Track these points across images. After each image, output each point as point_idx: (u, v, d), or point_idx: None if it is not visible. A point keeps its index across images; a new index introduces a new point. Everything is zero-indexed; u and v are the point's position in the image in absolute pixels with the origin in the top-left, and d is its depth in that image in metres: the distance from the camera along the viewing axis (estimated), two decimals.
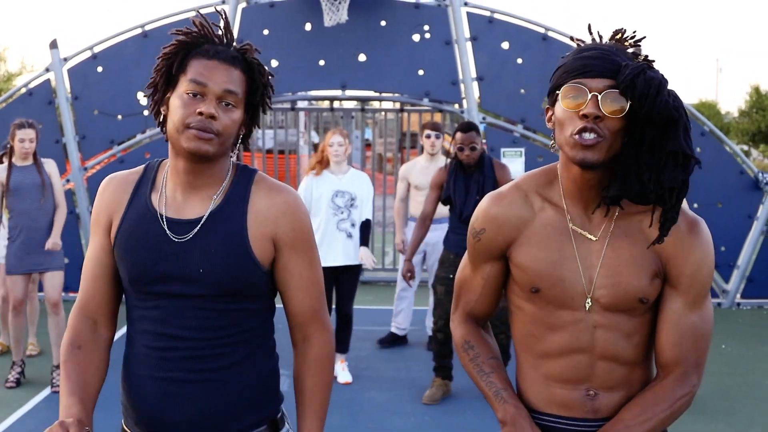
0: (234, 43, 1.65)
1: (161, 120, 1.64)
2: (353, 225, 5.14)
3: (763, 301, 8.11)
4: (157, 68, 1.64)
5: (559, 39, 7.89)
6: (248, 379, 1.64)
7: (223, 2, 7.83)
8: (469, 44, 7.84)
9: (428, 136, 5.94)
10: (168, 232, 1.60)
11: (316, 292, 1.70)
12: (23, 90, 8.07)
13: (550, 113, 1.62)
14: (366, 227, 5.18)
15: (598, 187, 1.60)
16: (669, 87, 1.50)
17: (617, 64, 1.51)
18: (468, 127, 4.71)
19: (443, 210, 5.46)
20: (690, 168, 1.52)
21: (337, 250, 5.09)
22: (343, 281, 5.22)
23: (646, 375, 1.69)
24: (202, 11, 7.36)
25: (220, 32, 1.65)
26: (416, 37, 7.91)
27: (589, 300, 1.62)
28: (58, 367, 5.19)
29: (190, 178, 1.62)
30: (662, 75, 1.50)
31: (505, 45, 7.86)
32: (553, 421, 1.67)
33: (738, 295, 8.08)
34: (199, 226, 1.60)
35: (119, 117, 7.83)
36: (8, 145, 5.17)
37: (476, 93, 7.91)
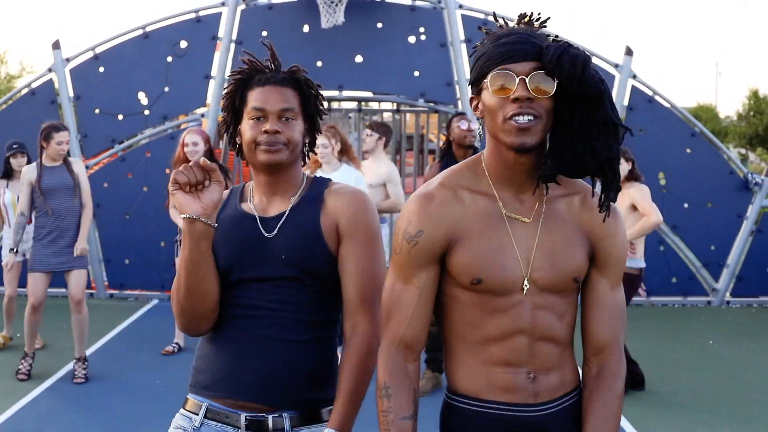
0: (282, 68, 1.91)
1: (238, 148, 1.92)
2: None
3: (752, 300, 8.24)
4: (223, 108, 1.93)
5: None
6: (313, 365, 1.83)
7: (223, 4, 7.98)
8: (463, 46, 7.98)
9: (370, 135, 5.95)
10: (260, 227, 1.86)
11: (370, 282, 1.84)
12: (26, 90, 8.22)
13: (476, 102, 1.64)
14: None
15: (531, 170, 1.62)
16: (591, 63, 1.55)
17: (538, 46, 1.54)
18: (462, 113, 5.08)
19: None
20: (620, 136, 1.58)
21: None
22: None
23: (571, 357, 1.71)
24: (203, 12, 7.49)
25: (267, 62, 1.91)
26: (412, 39, 8.06)
27: (526, 282, 1.62)
28: (79, 359, 5.30)
29: (271, 186, 1.89)
30: (583, 51, 1.56)
31: None
32: (495, 407, 1.65)
33: (728, 294, 8.21)
34: (282, 221, 1.85)
35: (120, 116, 7.97)
36: (40, 147, 5.23)
37: (471, 94, 8.04)
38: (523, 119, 1.53)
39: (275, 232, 1.85)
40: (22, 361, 5.35)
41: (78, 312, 5.24)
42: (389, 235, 6.41)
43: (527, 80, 1.53)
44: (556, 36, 1.61)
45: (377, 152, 5.96)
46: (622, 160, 5.00)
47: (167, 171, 7.50)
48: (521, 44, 1.55)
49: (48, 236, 5.18)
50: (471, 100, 1.67)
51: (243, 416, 1.81)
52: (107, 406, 4.84)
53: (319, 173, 5.33)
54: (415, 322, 1.66)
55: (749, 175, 8.15)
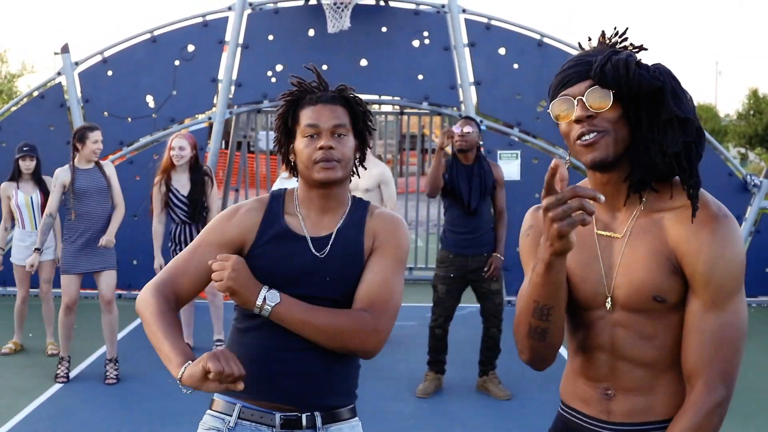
0: (330, 87, 2.00)
1: (293, 165, 2.00)
2: None
3: (751, 299, 8.36)
4: (275, 128, 2.00)
5: (554, 45, 8.15)
6: (340, 368, 1.93)
7: (230, 8, 8.10)
8: (467, 50, 8.11)
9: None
10: (311, 247, 1.92)
11: (384, 293, 1.89)
12: (35, 93, 8.34)
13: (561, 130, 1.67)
14: None
15: (618, 184, 1.61)
16: (640, 61, 1.53)
17: (589, 63, 1.55)
18: (468, 117, 5.20)
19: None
20: (690, 130, 1.52)
21: None
22: None
23: (670, 385, 1.62)
24: (210, 17, 7.63)
25: (315, 83, 1.99)
26: (416, 43, 8.19)
27: (609, 299, 1.62)
28: (111, 360, 5.39)
29: (323, 202, 1.96)
30: (629, 53, 1.53)
31: (502, 51, 8.12)
32: (570, 413, 1.74)
33: None
34: (330, 244, 1.92)
35: (129, 119, 8.10)
36: (73, 150, 5.32)
37: (474, 97, 8.17)
38: (588, 137, 1.55)
39: (325, 253, 1.92)
40: (59, 365, 5.41)
41: (108, 312, 5.34)
42: None
43: (584, 99, 1.54)
44: (631, 44, 1.59)
45: (368, 157, 6.15)
46: None
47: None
48: (576, 67, 1.58)
49: (80, 238, 5.25)
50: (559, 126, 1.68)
51: (278, 416, 1.89)
52: (121, 404, 4.96)
53: (285, 179, 5.47)
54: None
55: (748, 176, 8.27)
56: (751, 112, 33.66)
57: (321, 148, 1.88)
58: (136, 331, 6.77)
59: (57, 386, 5.27)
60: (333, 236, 1.94)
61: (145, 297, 1.90)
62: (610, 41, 1.62)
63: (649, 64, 1.55)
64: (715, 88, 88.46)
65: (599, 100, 1.53)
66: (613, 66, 1.51)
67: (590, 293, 1.64)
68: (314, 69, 2.03)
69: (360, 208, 2.01)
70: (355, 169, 2.02)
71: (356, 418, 2.01)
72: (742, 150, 37.63)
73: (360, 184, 6.07)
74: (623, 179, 1.60)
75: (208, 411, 1.98)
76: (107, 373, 5.35)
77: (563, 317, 1.63)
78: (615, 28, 1.63)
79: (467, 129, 4.95)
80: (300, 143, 1.93)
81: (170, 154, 5.62)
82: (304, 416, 1.90)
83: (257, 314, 1.86)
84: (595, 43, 1.66)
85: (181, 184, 5.64)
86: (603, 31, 1.65)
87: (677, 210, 1.57)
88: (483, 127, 8.18)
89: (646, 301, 1.58)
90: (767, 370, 5.97)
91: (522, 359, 1.71)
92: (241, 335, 1.96)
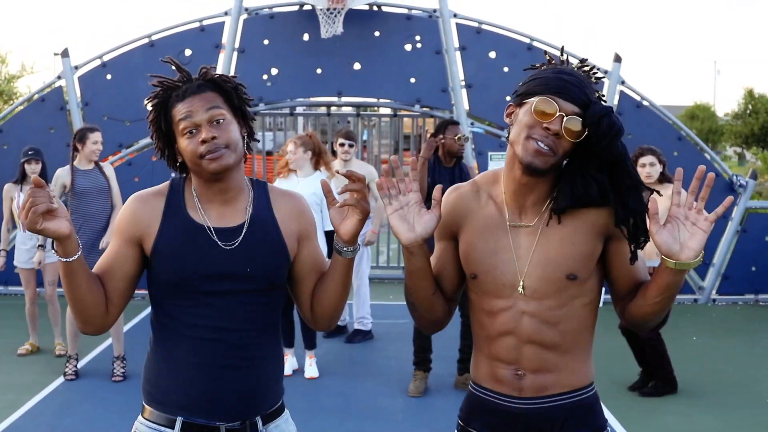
0: (192, 75, 1.87)
1: (179, 164, 1.90)
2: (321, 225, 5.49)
3: (737, 297, 8.53)
4: (152, 136, 1.90)
5: (543, 48, 8.31)
6: (273, 368, 1.93)
7: (226, 14, 8.27)
8: (458, 53, 8.29)
9: (342, 144, 6.35)
10: (216, 240, 1.84)
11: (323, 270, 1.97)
12: (35, 97, 8.51)
13: (512, 110, 1.84)
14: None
15: (533, 187, 1.81)
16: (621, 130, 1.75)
17: (587, 97, 1.73)
18: (456, 122, 5.52)
19: None
20: (642, 193, 1.77)
21: None
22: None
23: (579, 363, 1.86)
24: (207, 21, 7.80)
25: (177, 78, 1.86)
26: (408, 47, 8.36)
27: (521, 287, 1.81)
28: (118, 358, 5.52)
29: (222, 193, 1.87)
30: (619, 120, 1.74)
31: (493, 54, 8.30)
32: (486, 393, 1.91)
33: (714, 292, 8.50)
34: (243, 233, 1.86)
35: (127, 122, 8.26)
36: (73, 150, 5.45)
37: (465, 100, 8.35)
38: (543, 146, 1.73)
39: (236, 243, 1.85)
40: (67, 364, 5.54)
41: None
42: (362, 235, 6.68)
43: (565, 119, 1.72)
44: (602, 95, 1.82)
45: (352, 160, 6.40)
46: (655, 160, 5.27)
47: (173, 175, 7.81)
48: (577, 87, 1.74)
49: (81, 238, 5.30)
50: (509, 106, 1.87)
51: (223, 427, 1.86)
52: (122, 399, 5.13)
53: (292, 179, 5.61)
54: (439, 276, 1.95)
55: (734, 177, 8.44)
56: (747, 112, 33.84)
57: (204, 141, 1.78)
58: (137, 328, 6.94)
59: (59, 382, 5.43)
60: (245, 227, 1.87)
61: None
62: (591, 74, 1.84)
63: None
64: (714, 88, 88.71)
65: (574, 129, 1.73)
66: (609, 124, 1.71)
67: (500, 279, 1.83)
68: (171, 60, 1.91)
69: (261, 190, 1.96)
70: (247, 149, 1.91)
71: (285, 410, 2.01)
72: (739, 149, 37.78)
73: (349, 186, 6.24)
74: (536, 188, 1.82)
75: (144, 420, 1.93)
76: (114, 371, 5.49)
77: (428, 298, 1.88)
78: (595, 67, 1.86)
79: (462, 134, 5.26)
80: (182, 142, 1.82)
81: None
82: (247, 423, 1.88)
83: (181, 326, 1.84)
84: (565, 58, 1.88)
85: None
86: (587, 61, 1.88)
87: (590, 214, 1.82)
88: (480, 130, 8.39)
89: (559, 280, 1.80)
90: (749, 365, 6.12)
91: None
92: (166, 350, 1.88)
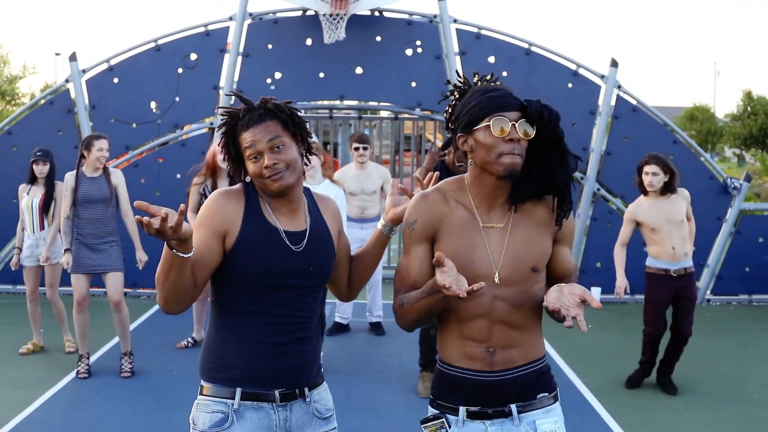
0: (254, 103, 2.18)
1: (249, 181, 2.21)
2: None
3: (731, 298, 8.70)
4: (224, 157, 2.23)
5: (541, 53, 8.50)
6: (317, 347, 2.26)
7: (231, 18, 8.44)
8: (458, 58, 8.45)
9: (356, 149, 6.51)
10: (287, 241, 2.15)
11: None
12: (42, 101, 8.68)
13: (464, 140, 2.10)
14: None
15: (503, 191, 2.11)
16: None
17: (519, 100, 2.05)
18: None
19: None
20: (574, 164, 2.10)
21: None
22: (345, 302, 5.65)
23: (534, 338, 2.18)
24: (212, 26, 7.98)
25: (241, 106, 2.17)
26: (409, 52, 8.53)
27: (497, 277, 2.09)
28: (125, 354, 5.70)
29: (288, 204, 2.19)
30: (551, 106, 2.06)
31: (492, 59, 8.46)
32: (460, 371, 2.14)
33: (708, 292, 8.66)
34: (306, 237, 2.18)
35: (134, 125, 8.43)
36: (80, 157, 5.58)
37: (459, 133, 8.48)
38: (514, 156, 2.02)
39: (302, 246, 2.17)
40: (79, 363, 5.67)
41: (118, 311, 5.60)
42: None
43: (517, 125, 2.02)
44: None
45: (367, 162, 6.59)
46: (659, 170, 5.35)
47: (177, 176, 7.99)
48: (509, 98, 2.04)
49: (86, 239, 5.52)
50: (459, 137, 2.11)
51: (277, 393, 2.16)
52: (131, 394, 5.30)
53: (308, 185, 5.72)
54: (418, 279, 2.16)
55: (728, 179, 8.60)
56: (746, 114, 34.01)
57: (266, 167, 2.09)
58: (143, 326, 7.11)
59: (69, 378, 5.60)
60: (308, 231, 2.21)
61: None
62: (496, 83, 2.16)
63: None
64: (714, 89, 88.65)
65: (527, 130, 2.05)
66: (548, 112, 2.04)
67: (477, 272, 2.09)
68: (234, 93, 2.21)
69: (309, 196, 2.30)
70: (307, 161, 2.22)
71: (324, 381, 2.33)
72: (737, 151, 37.91)
73: (366, 187, 6.44)
74: (505, 189, 2.11)
75: (204, 397, 2.17)
76: (122, 367, 5.65)
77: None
78: (494, 75, 2.21)
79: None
80: (249, 165, 2.13)
81: (216, 159, 5.73)
82: (296, 390, 2.20)
83: (253, 314, 2.13)
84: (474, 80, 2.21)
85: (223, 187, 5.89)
86: (486, 75, 2.21)
87: (541, 213, 2.16)
88: None
89: (526, 272, 2.12)
90: (741, 363, 6.29)
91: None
92: (234, 333, 2.15)
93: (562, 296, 2.00)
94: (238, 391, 2.13)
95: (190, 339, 6.47)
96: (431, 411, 2.22)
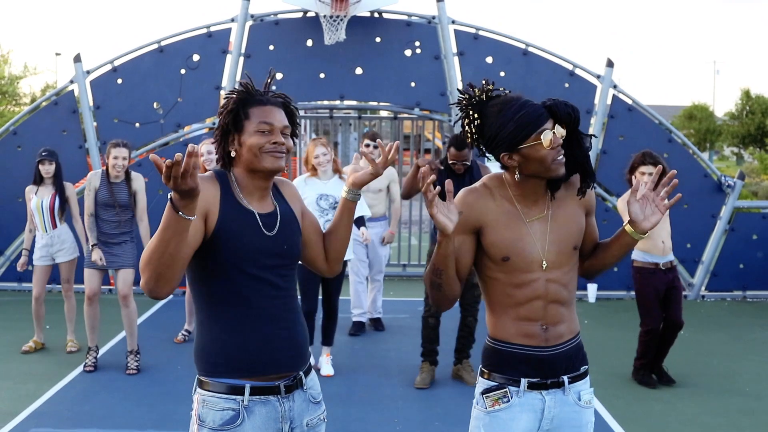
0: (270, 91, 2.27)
1: (231, 157, 2.22)
2: None
3: (726, 294, 8.84)
4: (222, 122, 2.22)
5: (538, 54, 8.63)
6: (304, 329, 2.31)
7: (233, 20, 8.57)
8: (456, 59, 8.59)
9: (367, 145, 6.63)
10: (261, 223, 2.20)
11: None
12: (45, 103, 8.81)
13: (508, 157, 2.27)
14: (360, 221, 5.88)
15: (543, 186, 2.32)
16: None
17: (543, 107, 2.24)
18: (462, 145, 5.25)
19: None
20: (588, 143, 2.32)
21: None
22: (330, 277, 5.73)
23: (574, 314, 2.41)
24: (214, 28, 8.12)
25: (261, 88, 2.26)
26: (408, 53, 8.68)
27: (544, 262, 2.30)
28: (131, 352, 5.82)
29: (262, 189, 2.24)
30: (565, 100, 2.27)
31: (489, 59, 8.60)
32: (515, 347, 2.34)
33: (703, 288, 8.81)
34: (279, 219, 2.24)
35: (137, 125, 8.57)
36: (105, 162, 5.74)
37: (503, 153, 8.60)
38: (561, 158, 2.25)
39: (276, 228, 2.23)
40: (87, 355, 5.85)
41: (125, 306, 5.74)
42: (380, 234, 6.99)
43: (555, 132, 2.23)
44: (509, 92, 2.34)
45: (377, 160, 6.59)
46: (654, 170, 5.45)
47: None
48: (540, 109, 2.23)
49: (101, 237, 5.71)
50: (503, 156, 2.28)
51: (281, 384, 2.20)
52: (136, 389, 5.43)
53: (315, 181, 5.72)
54: (457, 257, 2.34)
55: (722, 177, 8.74)
56: (744, 113, 34.13)
57: (275, 143, 2.19)
58: (148, 322, 7.24)
59: (76, 373, 5.73)
60: (279, 215, 2.27)
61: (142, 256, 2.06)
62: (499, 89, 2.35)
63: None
64: (713, 88, 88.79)
65: (562, 132, 2.26)
66: (572, 110, 2.26)
67: (527, 260, 2.31)
68: (246, 81, 2.28)
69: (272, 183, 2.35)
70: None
71: (312, 369, 2.37)
72: (736, 149, 38.01)
73: (371, 186, 6.55)
74: (544, 182, 2.33)
75: (210, 393, 2.17)
76: (128, 364, 5.78)
77: (453, 277, 2.29)
78: (494, 84, 2.34)
79: (466, 162, 5.30)
80: (251, 137, 2.18)
81: (200, 160, 5.96)
82: (296, 378, 2.25)
83: (241, 298, 2.16)
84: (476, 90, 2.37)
85: None
86: (491, 84, 2.36)
87: (571, 192, 2.39)
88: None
89: (569, 252, 2.36)
90: (733, 357, 6.42)
91: (430, 302, 2.36)
92: (228, 322, 2.17)
93: (645, 204, 2.30)
94: (247, 387, 2.15)
95: (184, 332, 6.64)
96: (488, 383, 2.37)
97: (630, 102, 8.69)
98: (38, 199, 6.20)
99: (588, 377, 2.45)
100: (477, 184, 2.41)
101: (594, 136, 2.43)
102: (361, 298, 6.97)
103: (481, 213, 2.33)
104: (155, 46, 8.58)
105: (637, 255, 5.59)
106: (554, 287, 2.33)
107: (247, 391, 2.16)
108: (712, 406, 5.20)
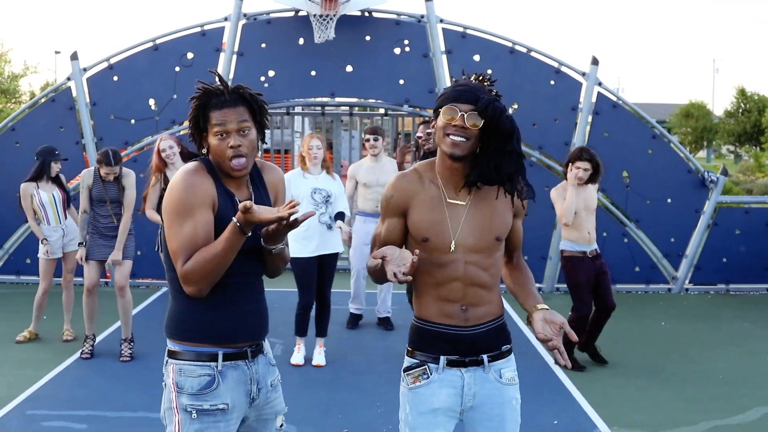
0: (230, 87, 2.35)
1: (206, 150, 2.40)
2: (331, 218, 5.85)
3: (709, 287, 9.03)
4: (189, 127, 2.40)
5: (524, 52, 8.81)
6: (266, 305, 2.52)
7: (226, 19, 8.76)
8: (444, 57, 8.77)
9: (368, 140, 6.81)
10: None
11: None
12: (43, 99, 9.00)
13: (433, 122, 2.48)
14: (340, 216, 5.95)
15: (461, 173, 2.45)
16: (508, 113, 2.39)
17: (477, 95, 2.38)
18: (427, 122, 5.91)
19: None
20: (519, 163, 2.41)
21: (319, 240, 5.76)
22: (324, 269, 5.87)
23: (497, 297, 2.56)
24: (208, 26, 8.31)
25: (219, 85, 2.34)
26: (397, 51, 8.86)
27: (453, 245, 2.44)
28: (125, 340, 6.02)
29: (239, 179, 2.41)
30: (503, 105, 2.39)
31: (477, 57, 8.78)
32: (436, 326, 2.50)
33: (687, 281, 8.99)
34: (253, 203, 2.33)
35: (132, 121, 8.76)
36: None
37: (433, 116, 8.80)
38: (456, 138, 2.38)
39: None
40: (84, 343, 6.05)
41: (121, 297, 5.95)
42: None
43: (465, 116, 2.37)
44: (497, 92, 2.47)
45: (381, 154, 6.85)
46: (589, 166, 5.75)
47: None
48: (467, 92, 2.39)
49: (100, 231, 5.96)
50: (431, 121, 2.55)
51: (248, 350, 2.43)
52: (130, 375, 5.62)
53: (309, 175, 5.88)
54: (385, 239, 2.54)
55: (706, 173, 8.92)
56: (740, 111, 34.30)
57: (231, 147, 2.30)
58: (142, 313, 7.42)
59: (72, 359, 5.93)
60: (252, 198, 2.43)
61: (189, 264, 2.27)
62: (485, 82, 2.50)
63: (510, 112, 2.43)
64: (712, 86, 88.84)
65: (475, 121, 2.39)
66: (494, 108, 2.36)
67: (444, 242, 2.47)
68: (215, 72, 2.43)
69: (254, 167, 2.49)
70: (258, 148, 2.45)
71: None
72: (732, 147, 38.15)
73: (381, 179, 6.72)
74: (463, 171, 2.47)
75: (185, 362, 2.38)
76: (122, 351, 5.97)
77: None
78: (490, 77, 2.52)
79: (429, 130, 5.62)
80: (213, 140, 2.32)
81: (161, 156, 6.17)
82: (257, 345, 2.47)
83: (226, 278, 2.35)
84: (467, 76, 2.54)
85: None
86: (483, 74, 2.54)
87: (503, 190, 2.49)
88: None
89: (491, 241, 2.50)
90: (710, 346, 6.60)
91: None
92: (213, 296, 2.35)
93: (546, 326, 2.43)
94: (220, 353, 2.36)
95: None
96: (410, 361, 2.54)
97: (614, 99, 8.87)
98: (47, 194, 6.42)
99: (512, 356, 2.59)
100: (409, 169, 2.59)
101: (524, 157, 2.48)
102: (360, 292, 7.11)
103: (408, 197, 2.49)
104: (150, 44, 8.76)
105: (565, 245, 5.86)
106: (473, 270, 2.46)
107: (220, 358, 2.37)
108: (685, 392, 5.38)
